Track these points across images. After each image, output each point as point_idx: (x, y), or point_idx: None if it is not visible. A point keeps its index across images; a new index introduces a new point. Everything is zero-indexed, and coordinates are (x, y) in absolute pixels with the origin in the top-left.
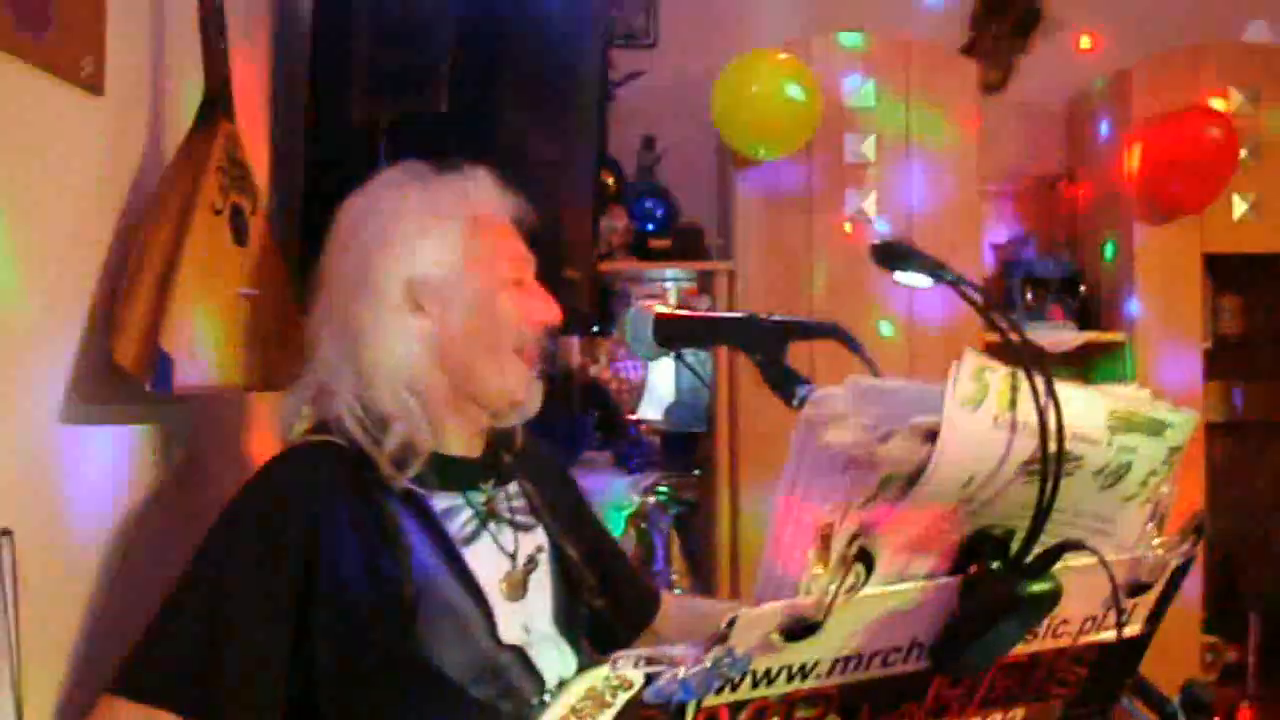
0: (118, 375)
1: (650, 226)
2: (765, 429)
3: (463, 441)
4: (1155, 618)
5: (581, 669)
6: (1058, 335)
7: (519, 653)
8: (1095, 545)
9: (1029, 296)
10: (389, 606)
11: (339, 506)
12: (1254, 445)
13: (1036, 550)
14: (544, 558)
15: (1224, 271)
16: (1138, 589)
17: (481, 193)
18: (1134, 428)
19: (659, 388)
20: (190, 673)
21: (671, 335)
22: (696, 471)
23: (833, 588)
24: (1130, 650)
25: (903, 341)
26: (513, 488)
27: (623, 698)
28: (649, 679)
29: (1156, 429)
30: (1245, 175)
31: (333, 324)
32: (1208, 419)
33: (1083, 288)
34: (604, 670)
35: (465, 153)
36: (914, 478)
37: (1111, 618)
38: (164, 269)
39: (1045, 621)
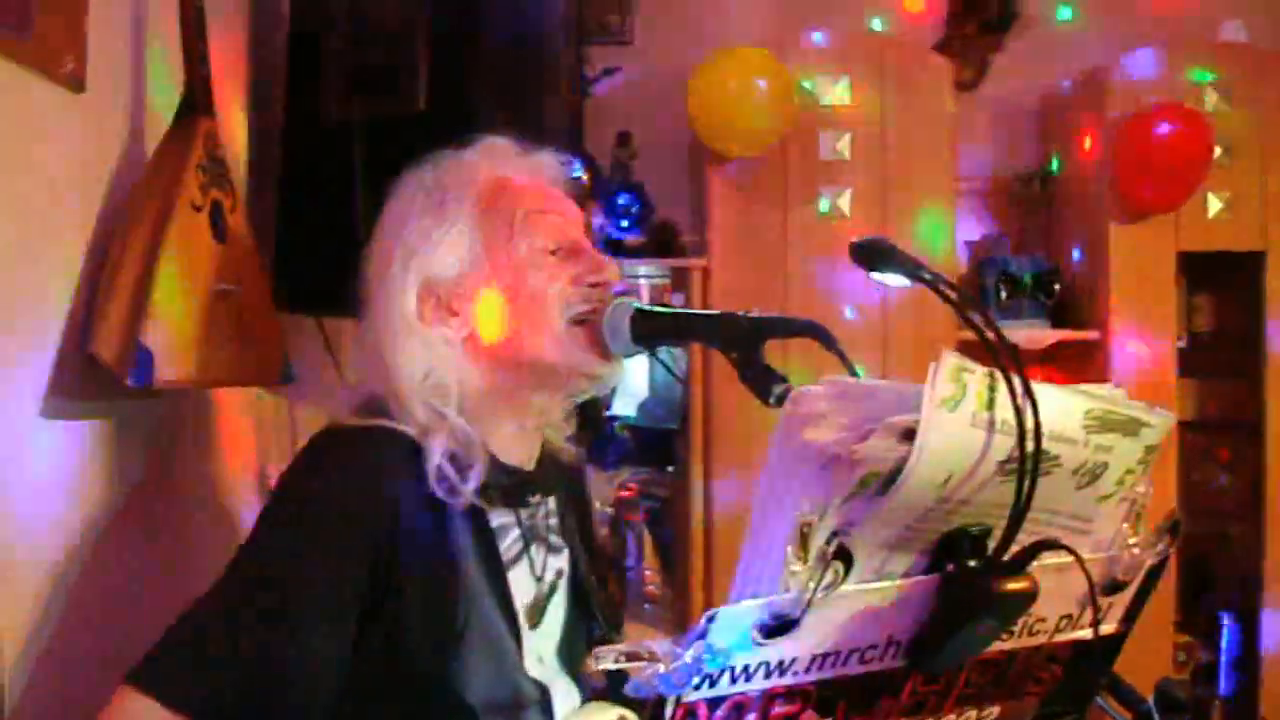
0: (97, 370)
1: (625, 223)
2: (739, 426)
3: (521, 449)
4: (1131, 617)
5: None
6: (1032, 333)
7: (542, 689)
8: (1072, 544)
9: (1003, 294)
10: (436, 633)
11: (410, 508)
12: (1226, 443)
13: (1013, 549)
14: (562, 584)
15: (1197, 269)
16: (1113, 588)
17: (495, 163)
18: (1111, 427)
19: (633, 384)
20: (241, 688)
21: (649, 332)
22: (670, 468)
23: (811, 585)
24: (1105, 649)
25: (877, 340)
26: (552, 502)
27: None
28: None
29: (1133, 429)
30: (1220, 174)
31: (366, 336)
32: (1180, 417)
33: (1057, 286)
34: (608, 714)
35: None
36: (893, 476)
37: (1087, 616)
38: (144, 264)
39: (1021, 620)
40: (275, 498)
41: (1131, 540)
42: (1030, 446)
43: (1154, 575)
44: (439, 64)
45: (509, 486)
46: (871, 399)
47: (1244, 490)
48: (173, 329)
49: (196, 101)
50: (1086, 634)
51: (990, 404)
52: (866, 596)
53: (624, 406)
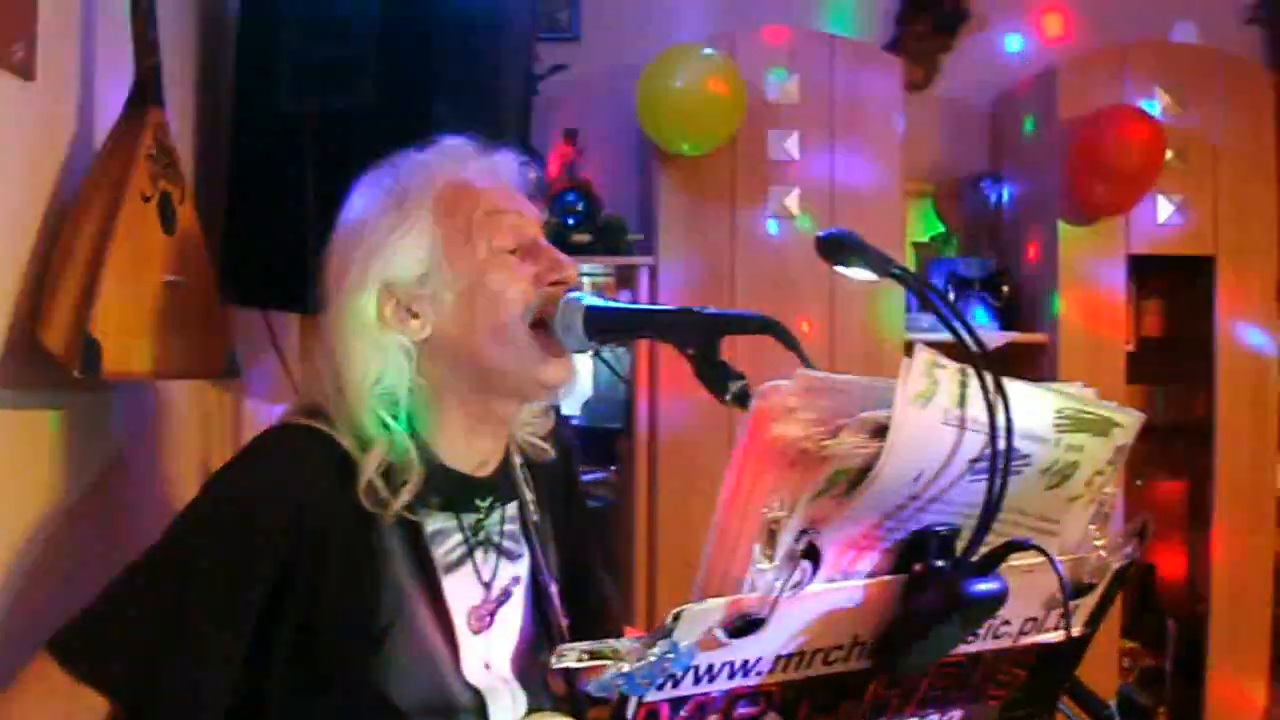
0: (44, 361)
1: (571, 221)
2: (685, 427)
3: (473, 454)
4: (1095, 620)
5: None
6: (981, 335)
7: (477, 696)
8: (1040, 544)
9: (952, 296)
10: (355, 634)
11: (325, 510)
12: (1173, 448)
13: (982, 550)
14: (519, 590)
15: (1147, 273)
16: (1080, 590)
17: (454, 164)
18: (1082, 427)
19: (577, 383)
20: (133, 662)
21: (602, 327)
22: (614, 468)
23: (778, 584)
24: (1069, 653)
25: (824, 341)
26: (511, 508)
27: None
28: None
29: (1104, 428)
30: (1170, 177)
31: (321, 340)
32: None
33: (1006, 288)
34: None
35: (394, 147)
36: (863, 473)
37: (1051, 619)
38: (93, 255)
39: (986, 622)
40: (199, 492)
41: (1099, 542)
42: (1002, 444)
43: (1120, 578)
44: (391, 58)
45: (452, 492)
46: (841, 394)
47: (1192, 495)
48: (121, 320)
49: (146, 91)
50: (1052, 637)
51: (962, 400)
52: (833, 596)
53: (567, 405)
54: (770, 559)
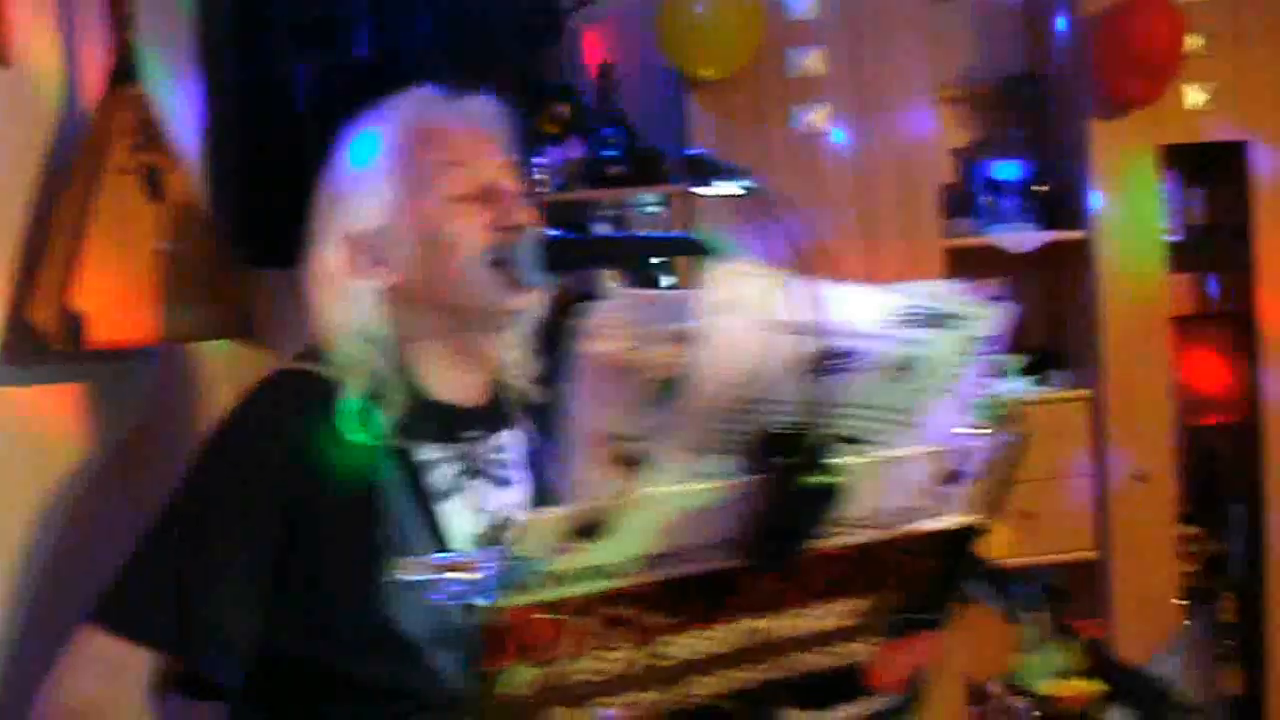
0: (37, 337)
1: (608, 154)
2: None
3: (460, 387)
4: (991, 506)
5: None
6: (1019, 236)
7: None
8: (897, 437)
9: (990, 199)
10: (357, 564)
11: (320, 446)
12: (1226, 336)
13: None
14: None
15: (1189, 163)
16: (953, 477)
17: (420, 112)
18: (921, 323)
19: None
20: (169, 609)
21: (554, 260)
22: None
23: (613, 490)
24: (968, 539)
25: (863, 259)
26: (503, 437)
27: None
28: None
29: (949, 322)
30: (1199, 64)
31: (302, 289)
32: (1179, 311)
33: (1045, 187)
34: None
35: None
36: (680, 382)
37: (934, 507)
38: (73, 230)
39: (862, 513)
40: (202, 444)
41: (961, 430)
42: (813, 345)
43: (1008, 464)
44: (385, 12)
45: (439, 422)
46: (654, 308)
47: (1247, 382)
48: (106, 291)
49: (122, 68)
50: (937, 524)
51: (774, 306)
52: (684, 498)
53: None
54: (597, 467)
